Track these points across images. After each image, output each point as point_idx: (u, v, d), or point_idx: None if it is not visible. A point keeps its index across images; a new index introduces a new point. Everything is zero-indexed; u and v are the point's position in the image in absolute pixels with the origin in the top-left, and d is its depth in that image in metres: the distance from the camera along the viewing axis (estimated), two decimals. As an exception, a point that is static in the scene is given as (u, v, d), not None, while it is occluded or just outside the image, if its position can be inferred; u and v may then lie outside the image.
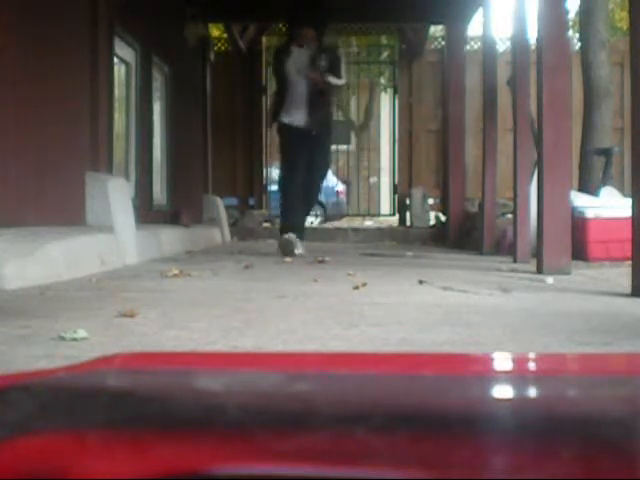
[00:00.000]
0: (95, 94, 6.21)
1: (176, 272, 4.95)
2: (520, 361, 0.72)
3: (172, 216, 8.72)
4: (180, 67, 9.28)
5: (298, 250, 6.97)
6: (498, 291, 4.20)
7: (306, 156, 7.14)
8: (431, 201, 12.07)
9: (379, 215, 15.21)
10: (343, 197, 16.37)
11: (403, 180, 12.93)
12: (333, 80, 7.15)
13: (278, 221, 7.79)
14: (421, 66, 12.86)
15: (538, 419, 0.47)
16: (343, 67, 7.33)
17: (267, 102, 13.23)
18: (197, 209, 10.08)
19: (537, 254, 5.56)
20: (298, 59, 7.12)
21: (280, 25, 13.12)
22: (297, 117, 7.15)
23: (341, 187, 16.16)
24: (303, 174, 7.16)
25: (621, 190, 8.65)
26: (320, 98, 7.14)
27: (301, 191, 7.20)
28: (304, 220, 7.62)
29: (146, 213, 7.55)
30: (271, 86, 13.28)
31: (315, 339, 2.62)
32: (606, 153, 8.61)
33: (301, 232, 7.27)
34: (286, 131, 7.21)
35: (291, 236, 7.01)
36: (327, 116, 7.39)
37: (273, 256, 6.92)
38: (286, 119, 7.19)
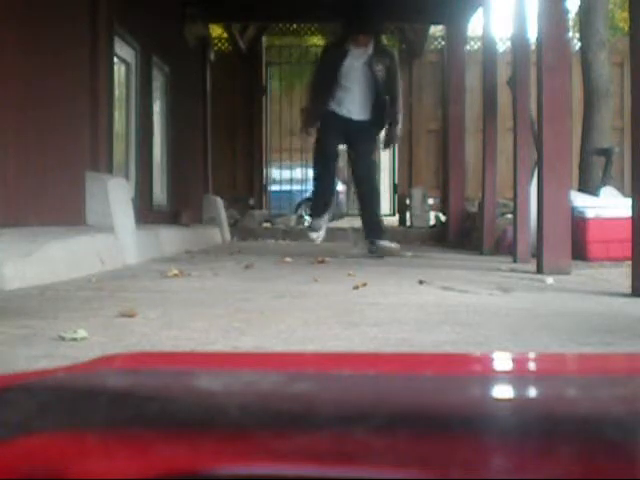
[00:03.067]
0: (95, 94, 6.21)
1: (176, 272, 4.95)
2: (520, 361, 0.72)
3: (172, 216, 8.72)
4: (180, 67, 9.28)
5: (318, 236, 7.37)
6: (498, 291, 4.20)
7: (342, 143, 7.21)
8: (431, 201, 12.07)
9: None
10: (343, 197, 16.37)
11: (403, 180, 12.95)
12: (399, 130, 7.32)
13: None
14: (421, 66, 12.87)
15: (538, 419, 0.47)
16: (399, 77, 7.27)
17: (267, 102, 13.26)
18: (197, 209, 10.08)
19: (537, 254, 5.55)
20: (355, 59, 7.06)
21: (292, 26, 13.16)
22: (344, 110, 7.10)
23: (341, 187, 16.16)
24: (336, 156, 7.28)
25: (621, 190, 8.64)
26: (371, 104, 7.12)
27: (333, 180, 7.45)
28: (378, 218, 7.47)
29: (146, 213, 7.55)
30: (272, 86, 13.33)
31: (315, 339, 2.62)
32: (606, 153, 8.61)
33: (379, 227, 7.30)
34: (332, 117, 7.09)
35: (318, 233, 7.41)
36: (375, 118, 7.27)
37: (273, 256, 6.92)
38: (337, 109, 7.11)
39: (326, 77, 7.13)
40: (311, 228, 7.52)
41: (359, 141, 7.14)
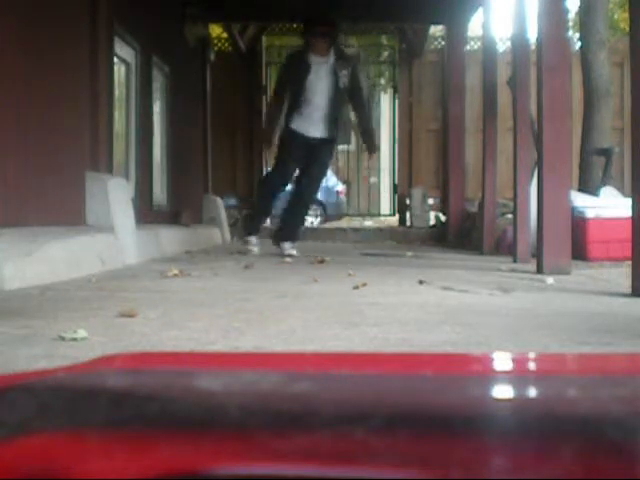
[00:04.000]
0: (95, 94, 6.21)
1: (176, 272, 4.95)
2: (520, 361, 0.72)
3: (172, 216, 8.72)
4: (180, 67, 9.28)
5: (290, 252, 7.14)
6: (498, 291, 4.20)
7: (301, 167, 7.22)
8: (431, 201, 12.07)
9: (379, 215, 15.22)
10: (343, 197, 16.37)
11: (403, 180, 12.94)
12: (375, 143, 7.45)
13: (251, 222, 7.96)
14: (421, 66, 12.87)
15: (538, 419, 0.47)
16: (364, 83, 7.34)
17: (267, 102, 13.26)
18: (197, 209, 10.08)
19: (537, 254, 5.56)
20: (319, 69, 7.01)
21: (292, 26, 13.16)
22: (311, 127, 7.05)
23: (341, 187, 16.16)
24: (288, 183, 7.37)
25: (621, 190, 8.65)
26: (337, 113, 7.14)
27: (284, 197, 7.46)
28: (297, 224, 7.60)
29: (146, 213, 7.54)
30: (272, 86, 13.33)
31: (315, 339, 2.62)
32: (606, 153, 8.61)
33: (294, 235, 7.42)
34: (294, 137, 7.07)
35: (251, 239, 7.53)
36: (336, 134, 7.30)
37: (273, 256, 6.92)
38: (297, 126, 7.06)
39: (292, 92, 7.12)
40: (250, 243, 7.60)
41: (314, 163, 7.16)
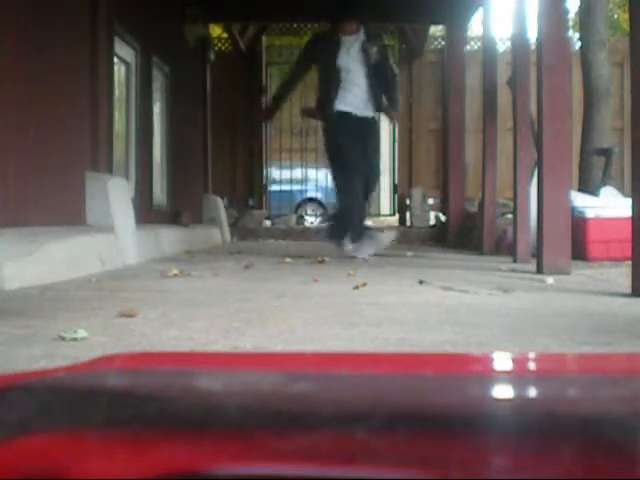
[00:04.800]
0: (95, 94, 6.21)
1: (176, 272, 4.95)
2: (520, 361, 0.72)
3: (172, 216, 8.73)
4: (180, 67, 9.28)
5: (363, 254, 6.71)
6: (498, 291, 4.20)
7: (363, 149, 6.77)
8: (431, 201, 12.07)
9: (379, 215, 15.22)
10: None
11: (403, 180, 12.95)
12: (396, 114, 7.25)
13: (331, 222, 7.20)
14: (421, 66, 12.87)
15: (538, 419, 0.47)
16: (393, 61, 7.14)
17: (267, 102, 13.26)
18: (197, 209, 10.08)
19: (537, 254, 5.55)
20: (350, 47, 6.81)
21: (292, 26, 13.15)
22: (356, 105, 6.77)
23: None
24: (362, 171, 6.77)
25: (621, 190, 8.65)
26: (376, 91, 6.87)
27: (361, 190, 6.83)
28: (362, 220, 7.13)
29: (146, 213, 7.55)
30: (272, 86, 13.32)
31: (315, 339, 2.62)
32: (606, 153, 8.61)
33: (363, 234, 6.92)
34: (344, 120, 6.71)
35: (350, 249, 6.79)
36: (378, 114, 7.11)
37: (273, 256, 6.91)
38: (344, 107, 6.75)
39: (326, 73, 6.85)
40: (342, 244, 6.87)
41: (368, 142, 6.85)
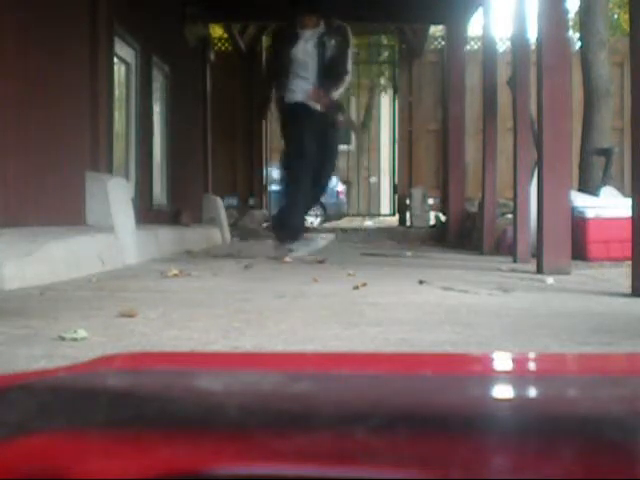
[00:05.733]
0: (95, 94, 6.21)
1: (176, 272, 4.95)
2: (520, 361, 0.72)
3: (172, 216, 8.72)
4: (180, 67, 9.28)
5: (296, 253, 6.67)
6: (498, 291, 4.20)
7: (315, 140, 6.65)
8: (431, 201, 12.07)
9: (379, 215, 15.22)
10: (343, 197, 16.38)
11: (403, 180, 12.94)
12: (336, 94, 6.88)
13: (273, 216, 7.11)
14: (421, 66, 12.87)
15: (538, 419, 0.47)
16: (350, 55, 6.95)
17: (258, 102, 13.27)
18: (197, 209, 10.08)
19: (537, 254, 5.55)
20: (307, 42, 6.77)
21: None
22: (306, 96, 6.69)
23: (341, 187, 16.17)
24: (313, 162, 6.61)
25: (621, 190, 8.64)
26: (329, 81, 6.75)
27: (308, 184, 6.65)
28: (304, 220, 7.22)
29: (146, 213, 7.55)
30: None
31: (315, 339, 2.62)
32: (606, 153, 8.61)
33: (301, 234, 6.93)
34: (294, 109, 6.67)
35: (287, 246, 6.69)
36: (335, 101, 6.97)
37: (273, 256, 6.91)
38: (293, 97, 6.71)
39: (281, 66, 6.79)
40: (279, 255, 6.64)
41: (323, 138, 6.74)
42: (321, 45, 6.77)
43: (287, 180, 6.90)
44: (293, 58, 6.75)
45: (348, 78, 6.96)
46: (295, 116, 6.70)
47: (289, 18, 6.96)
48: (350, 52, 7.01)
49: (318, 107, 6.73)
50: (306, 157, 6.59)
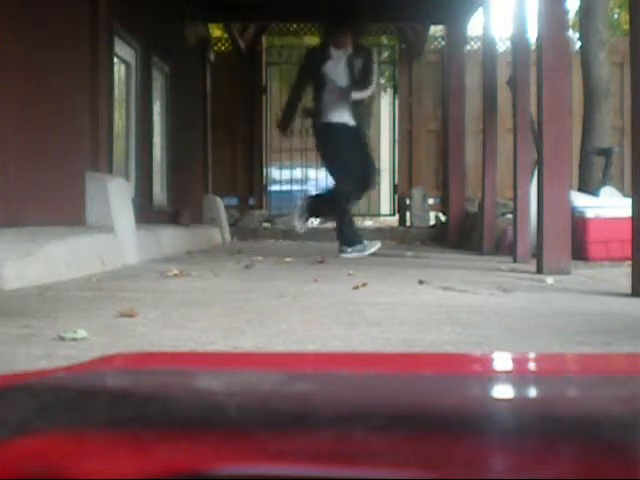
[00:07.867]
0: (95, 94, 6.21)
1: (176, 272, 4.95)
2: (520, 361, 0.72)
3: (172, 216, 8.72)
4: (180, 67, 9.27)
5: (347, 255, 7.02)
6: (498, 291, 4.20)
7: (357, 155, 7.13)
8: (431, 201, 12.07)
9: (379, 215, 15.21)
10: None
11: (403, 180, 12.94)
12: (358, 95, 7.18)
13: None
14: (421, 66, 12.87)
15: (538, 419, 0.47)
16: (375, 70, 7.34)
17: (267, 102, 13.26)
18: (197, 209, 10.08)
19: (537, 254, 5.55)
20: (337, 62, 7.13)
21: (292, 26, 13.20)
22: (342, 116, 7.09)
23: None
24: (357, 172, 7.08)
25: (621, 190, 8.65)
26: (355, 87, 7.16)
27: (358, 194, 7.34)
28: (355, 226, 7.67)
29: (146, 213, 7.54)
30: (272, 86, 13.34)
31: (315, 339, 2.62)
32: (606, 153, 8.61)
33: (358, 239, 7.23)
34: (335, 130, 7.06)
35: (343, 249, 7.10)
36: (362, 114, 7.43)
37: (273, 256, 6.92)
38: (331, 119, 7.09)
39: (314, 87, 7.22)
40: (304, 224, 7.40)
41: (356, 146, 7.14)
42: (349, 65, 7.15)
43: (339, 196, 7.21)
44: (324, 75, 7.13)
45: (372, 87, 7.37)
46: (332, 136, 7.08)
47: (322, 38, 7.45)
48: (375, 68, 7.39)
49: (349, 120, 7.10)
50: (350, 173, 7.06)
